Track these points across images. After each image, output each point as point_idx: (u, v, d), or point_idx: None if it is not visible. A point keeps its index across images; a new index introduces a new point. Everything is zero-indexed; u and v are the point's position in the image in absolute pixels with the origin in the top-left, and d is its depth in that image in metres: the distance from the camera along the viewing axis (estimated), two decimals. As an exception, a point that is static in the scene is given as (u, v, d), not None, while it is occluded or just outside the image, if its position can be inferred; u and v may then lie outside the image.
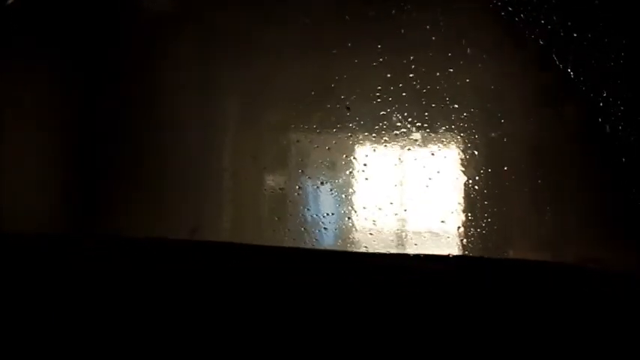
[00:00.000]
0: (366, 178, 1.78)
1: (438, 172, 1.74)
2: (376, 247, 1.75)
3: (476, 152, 1.74)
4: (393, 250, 1.76)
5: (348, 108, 1.77)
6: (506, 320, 1.26)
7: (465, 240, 1.70)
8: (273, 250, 1.54)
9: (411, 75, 1.74)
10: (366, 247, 1.75)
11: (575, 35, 1.63)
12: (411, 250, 1.76)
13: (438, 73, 1.74)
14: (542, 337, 1.22)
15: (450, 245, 1.71)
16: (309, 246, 1.78)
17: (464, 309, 1.29)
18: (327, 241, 1.80)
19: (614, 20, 1.60)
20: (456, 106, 1.72)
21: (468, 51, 1.70)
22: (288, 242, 1.79)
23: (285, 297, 1.31)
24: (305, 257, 1.52)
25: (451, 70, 1.72)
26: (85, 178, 1.97)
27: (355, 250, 1.75)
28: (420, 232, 1.75)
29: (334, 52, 1.80)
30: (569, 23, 1.64)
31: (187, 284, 1.35)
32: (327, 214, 1.79)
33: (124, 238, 1.65)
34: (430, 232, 1.75)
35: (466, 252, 1.69)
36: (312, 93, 1.80)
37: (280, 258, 1.51)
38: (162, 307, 1.29)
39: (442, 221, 1.72)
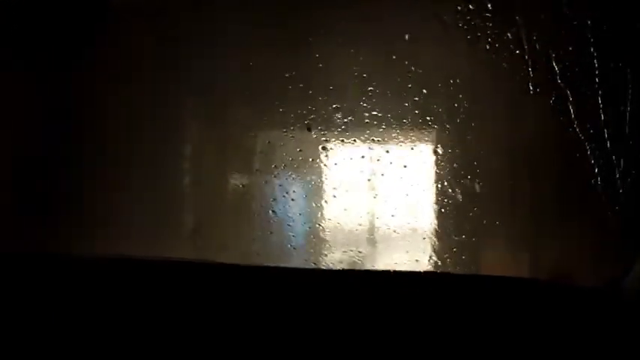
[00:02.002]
0: (337, 177, 1.76)
1: (412, 170, 1.73)
2: (346, 247, 1.74)
3: (450, 150, 1.71)
4: (363, 250, 1.74)
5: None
6: (478, 337, 1.25)
7: (439, 241, 1.70)
8: (236, 269, 1.50)
9: (385, 69, 1.71)
10: (334, 248, 1.73)
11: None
12: (381, 251, 1.74)
13: (413, 68, 1.71)
14: (515, 354, 1.21)
15: (422, 246, 1.70)
16: (275, 247, 1.75)
17: (434, 326, 1.28)
18: (295, 242, 1.77)
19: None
20: (432, 101, 1.70)
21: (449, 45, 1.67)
22: (255, 244, 1.76)
23: (251, 317, 1.29)
24: (269, 275, 1.49)
25: (428, 64, 1.70)
26: (35, 190, 1.87)
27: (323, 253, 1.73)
28: (391, 232, 1.74)
29: (304, 44, 1.75)
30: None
31: (154, 305, 1.32)
32: (296, 214, 1.76)
33: (88, 256, 1.59)
34: (402, 232, 1.73)
35: (440, 253, 1.69)
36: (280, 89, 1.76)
37: (245, 276, 1.47)
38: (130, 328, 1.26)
39: (414, 221, 1.71)
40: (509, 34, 1.65)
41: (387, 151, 1.74)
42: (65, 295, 1.34)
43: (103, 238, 1.76)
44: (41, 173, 1.86)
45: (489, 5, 1.67)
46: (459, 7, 1.67)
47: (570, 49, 1.62)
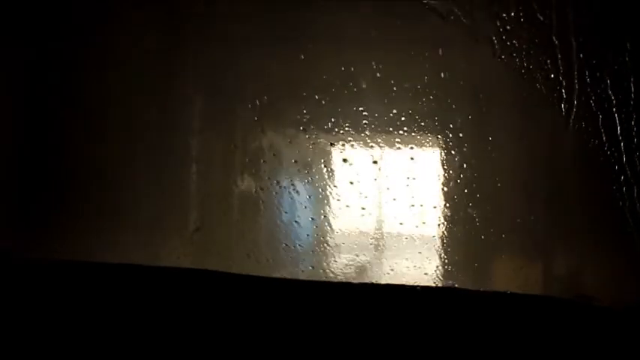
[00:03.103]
0: (344, 180, 1.72)
1: (419, 174, 1.68)
2: (352, 251, 1.70)
3: (459, 156, 1.68)
4: (369, 255, 1.69)
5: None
6: (489, 356, 1.21)
7: (445, 245, 1.64)
8: (236, 278, 1.47)
9: (397, 71, 1.68)
10: (339, 250, 1.68)
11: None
12: (388, 258, 1.69)
13: (426, 72, 1.69)
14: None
15: (429, 250, 1.65)
16: (281, 247, 1.71)
17: (446, 343, 1.25)
18: (301, 243, 1.73)
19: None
20: (443, 106, 1.67)
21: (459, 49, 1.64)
22: (261, 245, 1.72)
23: (248, 327, 1.25)
24: (266, 286, 1.45)
25: (440, 69, 1.67)
26: (36, 193, 1.82)
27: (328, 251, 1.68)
28: (398, 236, 1.69)
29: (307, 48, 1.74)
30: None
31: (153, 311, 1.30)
32: (301, 216, 1.73)
33: (91, 262, 1.57)
34: (408, 236, 1.69)
35: (452, 264, 1.63)
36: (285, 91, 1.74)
37: (244, 286, 1.44)
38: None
39: (421, 224, 1.67)
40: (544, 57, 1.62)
41: (398, 157, 1.71)
42: (65, 301, 1.32)
43: (106, 240, 1.74)
44: (44, 177, 1.84)
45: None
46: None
47: (605, 72, 1.57)
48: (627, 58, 1.57)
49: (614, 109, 1.57)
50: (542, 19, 1.63)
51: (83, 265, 1.45)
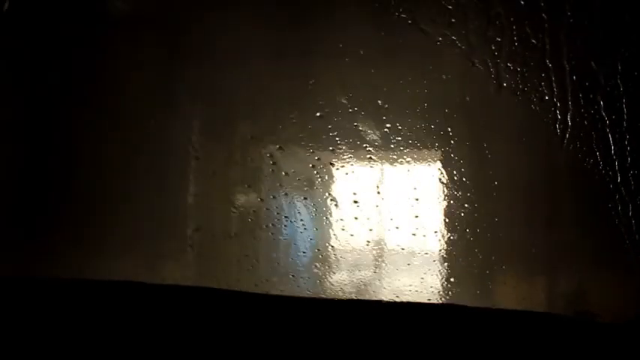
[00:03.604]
0: (343, 196, 1.74)
1: (418, 192, 1.70)
2: (353, 266, 1.70)
3: (463, 170, 1.69)
4: (369, 271, 1.70)
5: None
6: None
7: (444, 262, 1.66)
8: (234, 295, 1.47)
9: (401, 90, 1.72)
10: (338, 268, 1.69)
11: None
12: (387, 274, 1.69)
13: (423, 93, 1.72)
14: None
15: (430, 266, 1.66)
16: (281, 264, 1.71)
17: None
18: (301, 260, 1.74)
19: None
20: (441, 126, 1.69)
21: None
22: (260, 261, 1.72)
23: (246, 343, 1.26)
24: (269, 304, 1.46)
25: (437, 91, 1.70)
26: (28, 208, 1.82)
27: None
28: (398, 253, 1.69)
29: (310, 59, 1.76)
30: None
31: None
32: (300, 233, 1.73)
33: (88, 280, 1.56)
34: (411, 251, 1.69)
35: (452, 281, 1.64)
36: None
37: (243, 303, 1.44)
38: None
39: (422, 242, 1.68)
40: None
41: (397, 173, 1.73)
42: (61, 319, 1.32)
43: (102, 253, 1.74)
44: (41, 189, 1.84)
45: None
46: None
47: (598, 93, 1.61)
48: (619, 81, 1.61)
49: (607, 130, 1.61)
50: (535, 42, 1.68)
51: (80, 283, 1.46)
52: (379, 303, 1.59)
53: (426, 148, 1.72)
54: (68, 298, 1.39)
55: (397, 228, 1.71)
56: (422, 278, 1.67)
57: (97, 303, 1.38)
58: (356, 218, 1.72)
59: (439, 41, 1.70)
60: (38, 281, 1.45)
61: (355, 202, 1.72)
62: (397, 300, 1.64)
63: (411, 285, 1.67)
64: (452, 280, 1.67)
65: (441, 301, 1.66)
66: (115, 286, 1.43)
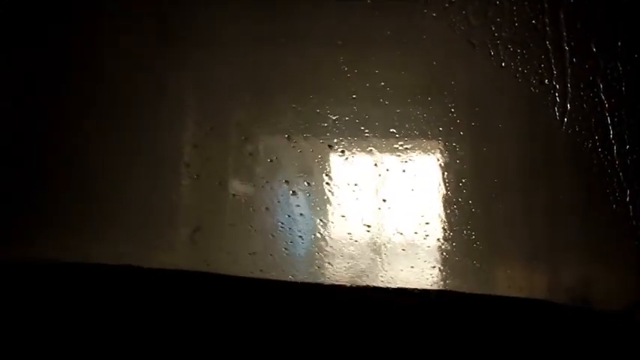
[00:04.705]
0: (342, 185, 1.73)
1: (417, 178, 1.70)
2: (352, 256, 1.70)
3: (458, 161, 1.69)
4: (368, 261, 1.70)
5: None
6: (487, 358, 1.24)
7: (445, 252, 1.66)
8: (232, 280, 1.48)
9: (401, 81, 1.70)
10: (341, 256, 1.69)
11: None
12: (387, 264, 1.70)
13: (423, 76, 1.71)
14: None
15: (428, 256, 1.67)
16: (279, 255, 1.70)
17: (445, 347, 1.26)
18: (299, 250, 1.73)
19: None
20: (441, 110, 1.69)
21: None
22: (257, 251, 1.71)
23: (247, 329, 1.26)
24: (271, 289, 1.46)
25: (437, 73, 1.69)
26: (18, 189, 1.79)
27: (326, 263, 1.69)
28: (398, 243, 1.70)
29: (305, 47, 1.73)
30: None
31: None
32: (298, 221, 1.72)
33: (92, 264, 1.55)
34: (409, 243, 1.70)
35: (452, 269, 1.65)
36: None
37: (242, 288, 1.45)
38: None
39: (422, 232, 1.68)
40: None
41: (397, 163, 1.72)
42: (61, 303, 1.32)
43: (99, 241, 1.72)
44: (39, 176, 1.82)
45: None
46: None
47: (598, 76, 1.61)
48: (619, 63, 1.61)
49: (606, 114, 1.61)
50: (535, 23, 1.66)
51: (78, 266, 1.46)
52: (376, 289, 1.60)
53: (426, 134, 1.71)
54: (68, 282, 1.40)
55: (396, 217, 1.70)
56: (422, 269, 1.68)
57: (96, 286, 1.38)
58: (354, 207, 1.71)
59: (440, 22, 1.69)
60: (39, 266, 1.45)
61: (352, 189, 1.72)
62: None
63: (410, 275, 1.68)
64: (452, 269, 1.67)
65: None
66: (113, 270, 1.43)
